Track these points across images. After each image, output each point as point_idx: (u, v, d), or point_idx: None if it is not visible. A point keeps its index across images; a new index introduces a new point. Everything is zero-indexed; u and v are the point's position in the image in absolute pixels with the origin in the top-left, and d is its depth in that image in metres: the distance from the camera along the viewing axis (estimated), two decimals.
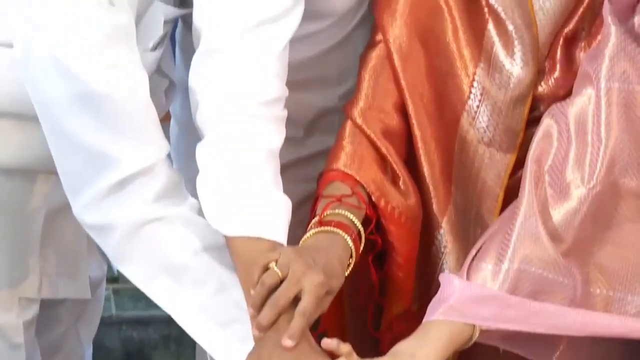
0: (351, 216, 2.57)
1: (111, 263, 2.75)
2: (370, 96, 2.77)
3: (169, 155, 2.65)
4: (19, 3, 2.55)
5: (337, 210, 2.57)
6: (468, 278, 2.51)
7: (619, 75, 2.51)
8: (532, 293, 2.48)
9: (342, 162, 2.68)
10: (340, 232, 2.53)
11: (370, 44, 2.79)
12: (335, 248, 2.51)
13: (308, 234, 2.53)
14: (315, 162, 2.91)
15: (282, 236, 2.45)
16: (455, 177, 2.78)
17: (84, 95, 2.48)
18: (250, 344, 2.40)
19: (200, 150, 2.53)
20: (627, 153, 2.53)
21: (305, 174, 2.88)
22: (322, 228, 2.54)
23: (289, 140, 2.68)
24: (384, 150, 2.72)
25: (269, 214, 2.46)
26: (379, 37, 2.76)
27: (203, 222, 2.51)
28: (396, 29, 2.76)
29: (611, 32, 2.52)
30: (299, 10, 2.59)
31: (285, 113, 2.56)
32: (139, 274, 2.60)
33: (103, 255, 2.75)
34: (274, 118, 2.54)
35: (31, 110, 2.56)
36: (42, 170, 2.71)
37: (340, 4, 2.85)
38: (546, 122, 2.61)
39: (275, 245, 2.41)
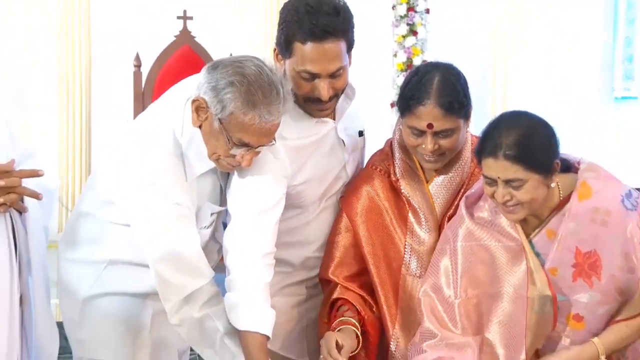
0: (354, 320, 2.93)
1: None
2: (340, 263, 3.05)
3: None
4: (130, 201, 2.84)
5: (346, 317, 2.94)
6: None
7: (467, 237, 2.81)
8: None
9: (338, 294, 3.01)
10: (353, 327, 2.92)
11: (342, 227, 3.07)
12: (351, 333, 2.89)
13: (340, 327, 2.90)
14: (300, 285, 3.19)
15: (268, 332, 2.76)
16: (400, 299, 2.98)
17: (164, 253, 2.78)
18: None
19: (227, 282, 2.82)
20: (476, 277, 2.79)
21: (293, 291, 3.17)
22: (345, 326, 2.91)
23: (284, 273, 3.06)
24: (359, 292, 3.02)
25: (261, 320, 2.78)
26: (348, 223, 3.05)
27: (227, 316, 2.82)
28: (358, 220, 3.02)
29: (464, 215, 2.84)
30: (282, 203, 2.89)
31: (273, 261, 2.86)
32: (196, 346, 2.92)
33: None
34: (267, 264, 2.84)
35: (144, 261, 2.84)
36: (153, 294, 2.90)
37: (307, 200, 3.07)
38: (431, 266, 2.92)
39: (265, 337, 2.76)
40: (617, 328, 2.74)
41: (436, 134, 2.84)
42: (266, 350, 2.78)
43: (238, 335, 2.80)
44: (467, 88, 2.90)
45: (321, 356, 2.85)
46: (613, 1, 7.47)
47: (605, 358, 2.72)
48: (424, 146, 2.87)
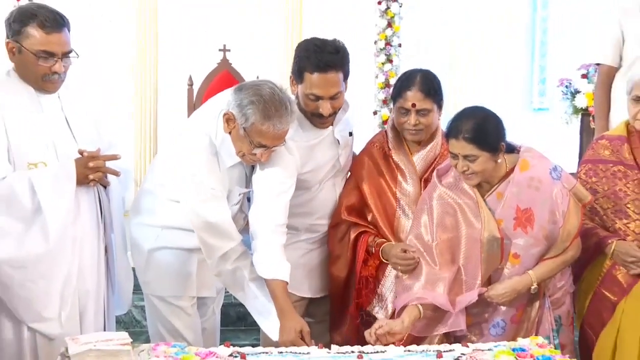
0: (383, 239, 2.96)
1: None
2: (347, 208, 3.05)
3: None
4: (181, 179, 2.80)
5: (377, 241, 2.97)
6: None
7: (439, 198, 2.79)
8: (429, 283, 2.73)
9: (356, 230, 3.02)
10: (387, 243, 2.94)
11: (351, 187, 3.08)
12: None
13: (384, 246, 2.93)
14: (304, 242, 3.12)
15: (287, 278, 2.72)
16: (395, 232, 2.98)
17: (205, 222, 2.75)
18: (274, 322, 2.71)
19: (253, 245, 2.78)
20: (446, 226, 2.77)
21: (299, 246, 3.09)
22: (384, 245, 2.93)
23: (293, 234, 2.99)
24: (365, 223, 3.03)
25: (281, 270, 2.74)
26: (355, 183, 3.06)
27: (254, 267, 2.79)
28: (363, 180, 3.03)
29: (436, 182, 2.82)
30: (293, 188, 2.84)
31: (285, 229, 2.82)
32: (231, 290, 2.87)
33: None
34: (281, 232, 2.80)
35: (189, 226, 2.80)
36: (197, 249, 2.85)
37: (311, 184, 3.04)
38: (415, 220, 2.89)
39: (285, 282, 2.72)
40: (545, 263, 2.76)
41: (417, 112, 2.89)
42: (287, 291, 2.75)
43: (259, 281, 2.77)
44: (440, 85, 2.96)
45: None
46: (531, 41, 7.46)
47: (537, 285, 2.75)
48: (409, 122, 2.91)
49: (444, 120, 2.98)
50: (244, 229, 2.94)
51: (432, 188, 2.83)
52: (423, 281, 2.75)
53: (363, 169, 3.05)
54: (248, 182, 2.91)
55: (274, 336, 2.70)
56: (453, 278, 2.74)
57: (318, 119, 2.92)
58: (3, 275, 2.64)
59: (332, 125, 3.01)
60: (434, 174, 2.85)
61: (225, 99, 2.77)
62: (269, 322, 2.74)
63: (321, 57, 2.81)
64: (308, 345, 2.58)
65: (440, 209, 2.77)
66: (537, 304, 2.80)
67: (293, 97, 2.84)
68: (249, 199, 2.94)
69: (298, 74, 2.88)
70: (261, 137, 2.67)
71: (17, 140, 2.66)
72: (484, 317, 2.80)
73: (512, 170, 2.73)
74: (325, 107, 2.86)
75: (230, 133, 2.73)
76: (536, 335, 2.72)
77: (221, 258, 2.77)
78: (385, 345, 2.55)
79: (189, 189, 2.76)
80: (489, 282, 2.77)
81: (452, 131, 2.67)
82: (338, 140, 3.05)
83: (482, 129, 2.65)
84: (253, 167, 2.88)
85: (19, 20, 2.64)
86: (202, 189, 2.74)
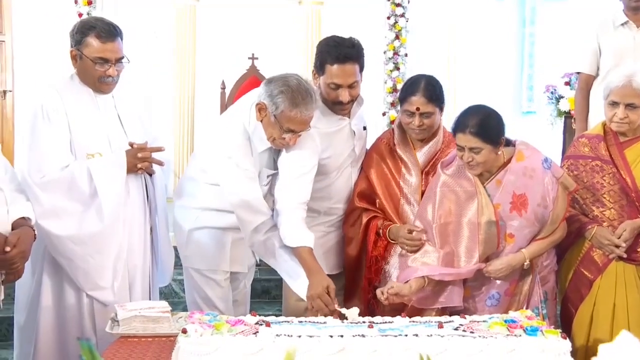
0: (391, 222, 2.95)
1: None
2: (358, 195, 3.03)
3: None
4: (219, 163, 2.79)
5: (385, 223, 2.95)
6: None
7: (442, 185, 2.77)
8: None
9: (368, 215, 3.01)
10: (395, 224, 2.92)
11: (362, 178, 3.06)
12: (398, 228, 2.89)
13: (390, 227, 2.91)
14: (322, 225, 3.09)
15: (311, 244, 2.69)
16: (400, 218, 2.96)
17: (240, 200, 2.74)
18: (302, 282, 2.66)
19: (278, 221, 2.75)
20: (447, 210, 2.77)
21: (318, 229, 3.02)
22: (391, 226, 2.93)
23: (313, 217, 2.98)
24: (374, 208, 3.01)
25: (304, 238, 2.70)
26: (364, 175, 3.04)
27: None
28: (371, 172, 3.01)
29: (440, 172, 2.81)
30: (314, 170, 2.82)
31: (306, 207, 2.79)
32: (264, 258, 2.85)
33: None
34: (303, 209, 2.77)
35: (226, 207, 2.81)
36: (231, 228, 2.89)
37: (329, 170, 3.02)
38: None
39: (310, 248, 2.68)
40: (536, 243, 2.78)
41: (421, 115, 2.87)
42: (313, 254, 2.71)
43: (288, 248, 2.75)
44: (442, 90, 2.94)
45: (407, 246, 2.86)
46: (521, 52, 7.45)
47: (529, 262, 2.77)
48: (413, 122, 2.89)
49: (446, 118, 2.98)
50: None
51: (437, 178, 2.82)
52: (423, 259, 2.76)
53: (371, 162, 3.04)
54: (275, 165, 2.90)
55: (303, 294, 2.68)
56: (445, 255, 2.74)
57: (338, 107, 2.94)
58: (67, 250, 2.70)
59: (349, 117, 3.01)
60: (439, 165, 2.84)
61: (255, 94, 2.78)
62: (298, 283, 2.73)
63: (340, 51, 2.85)
64: (332, 300, 2.58)
65: (442, 195, 2.77)
66: (528, 279, 2.80)
67: (316, 89, 2.83)
68: None
69: (320, 67, 2.91)
70: (290, 123, 2.66)
71: (78, 134, 2.72)
72: (481, 290, 2.81)
73: (509, 160, 2.74)
74: (344, 95, 2.88)
75: (262, 121, 2.72)
76: (527, 306, 2.74)
77: (254, 230, 2.76)
78: (393, 303, 2.61)
79: (227, 171, 2.76)
80: (486, 260, 2.77)
81: (460, 126, 2.67)
82: (354, 132, 3.05)
83: (486, 124, 2.65)
84: (278, 152, 2.87)
85: (80, 32, 2.72)
86: (237, 170, 2.74)
